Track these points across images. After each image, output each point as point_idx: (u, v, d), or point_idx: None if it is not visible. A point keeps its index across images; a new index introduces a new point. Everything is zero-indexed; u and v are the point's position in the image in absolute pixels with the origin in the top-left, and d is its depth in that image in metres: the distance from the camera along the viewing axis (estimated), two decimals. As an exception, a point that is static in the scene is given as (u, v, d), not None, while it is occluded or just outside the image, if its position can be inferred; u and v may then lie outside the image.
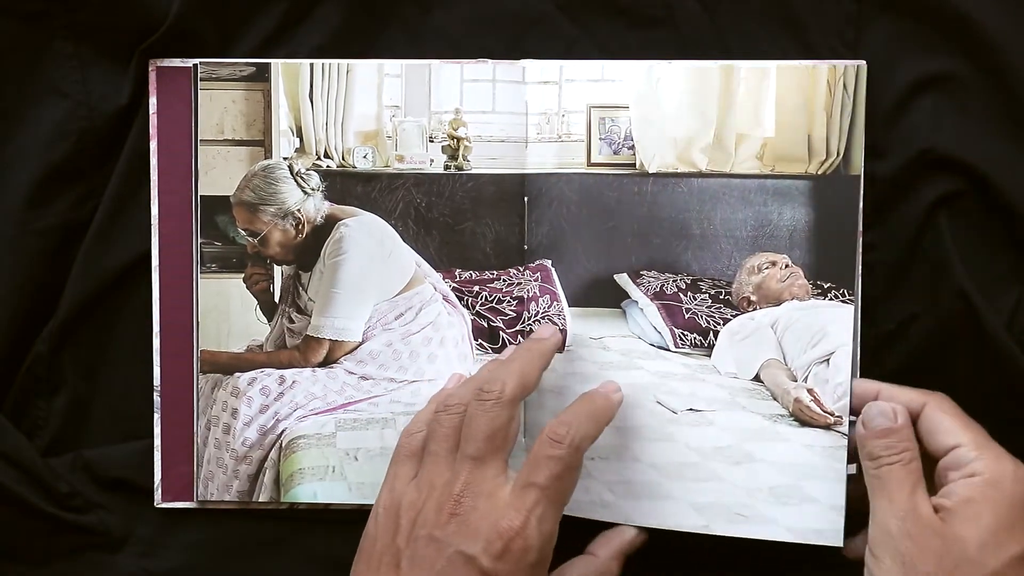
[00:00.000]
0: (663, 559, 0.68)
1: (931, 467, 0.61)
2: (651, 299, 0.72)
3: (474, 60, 0.70)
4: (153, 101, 0.69)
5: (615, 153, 0.71)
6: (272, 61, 0.69)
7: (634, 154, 0.71)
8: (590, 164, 0.71)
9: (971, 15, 0.68)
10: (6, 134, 0.70)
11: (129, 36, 0.69)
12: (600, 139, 0.71)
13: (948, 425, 0.60)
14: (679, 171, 0.71)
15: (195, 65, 0.69)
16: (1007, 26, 0.68)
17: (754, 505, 0.66)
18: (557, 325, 0.71)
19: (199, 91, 0.69)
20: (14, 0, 0.69)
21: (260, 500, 0.70)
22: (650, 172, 0.71)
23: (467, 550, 0.56)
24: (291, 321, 0.71)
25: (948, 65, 0.69)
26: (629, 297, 0.73)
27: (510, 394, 0.60)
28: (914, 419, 0.61)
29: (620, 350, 0.71)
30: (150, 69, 0.69)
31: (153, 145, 0.70)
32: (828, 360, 0.67)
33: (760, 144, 0.70)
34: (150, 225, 0.70)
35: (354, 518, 0.69)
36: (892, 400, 0.62)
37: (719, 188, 0.70)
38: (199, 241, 0.69)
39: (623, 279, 0.72)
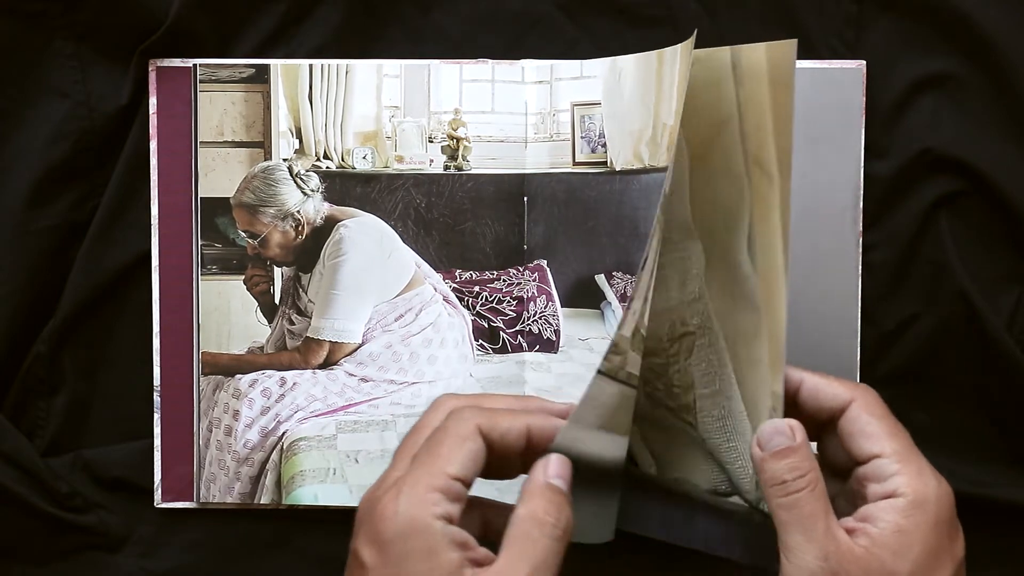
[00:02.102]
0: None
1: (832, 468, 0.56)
2: (620, 301, 0.70)
3: (473, 60, 0.70)
4: (153, 101, 0.69)
5: (592, 151, 0.71)
6: (271, 62, 0.69)
7: (606, 151, 0.70)
8: (575, 163, 0.71)
9: (971, 15, 0.68)
10: (6, 134, 0.70)
11: (129, 36, 0.69)
12: (580, 137, 0.71)
13: (872, 429, 0.54)
14: (633, 167, 0.69)
15: (195, 65, 0.69)
16: (1007, 26, 0.68)
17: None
18: (552, 325, 0.70)
19: (199, 93, 0.69)
20: (14, 0, 0.69)
21: (261, 502, 0.70)
22: (616, 170, 0.70)
23: None
24: (291, 323, 0.71)
25: (948, 65, 0.69)
26: (606, 298, 0.71)
27: None
28: (836, 416, 0.55)
29: (601, 352, 0.68)
30: (150, 69, 0.69)
31: (153, 145, 0.70)
32: None
33: (669, 134, 0.66)
34: (150, 225, 0.70)
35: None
36: (816, 393, 0.56)
37: (653, 184, 0.68)
38: (199, 242, 0.69)
39: (601, 280, 0.71)
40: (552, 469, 0.54)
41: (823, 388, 0.56)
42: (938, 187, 0.69)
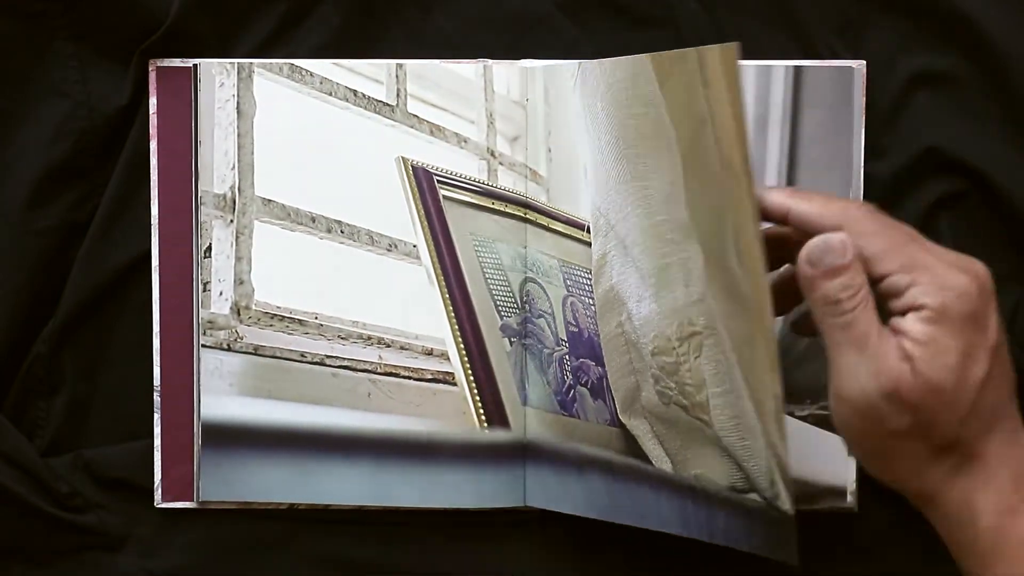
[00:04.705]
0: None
1: None
2: None
3: (474, 60, 0.70)
4: (153, 101, 0.69)
5: None
6: (271, 61, 0.69)
7: None
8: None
9: (971, 15, 0.68)
10: (6, 134, 0.70)
11: (129, 36, 0.69)
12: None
13: (873, 249, 0.53)
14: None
15: (195, 65, 0.69)
16: (1008, 26, 0.68)
17: None
18: None
19: (199, 91, 0.69)
20: (14, 0, 0.69)
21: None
22: None
23: None
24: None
25: (948, 65, 0.69)
26: None
27: None
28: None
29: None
30: (150, 69, 0.69)
31: (153, 145, 0.69)
32: None
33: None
34: (150, 225, 0.70)
35: (354, 518, 0.69)
36: (805, 216, 0.54)
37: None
38: (199, 242, 0.69)
39: None
40: None
41: (812, 219, 0.55)
42: (938, 187, 0.69)
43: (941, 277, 0.52)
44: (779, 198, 0.55)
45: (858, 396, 0.52)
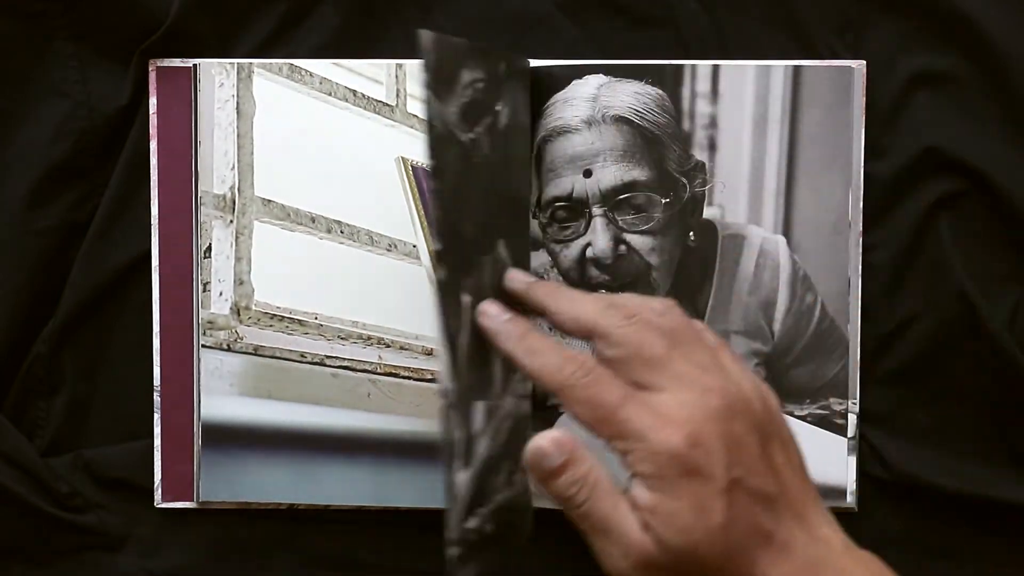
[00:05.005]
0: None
1: None
2: None
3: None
4: (153, 101, 0.69)
5: None
6: (271, 61, 0.69)
7: None
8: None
9: (971, 15, 0.68)
10: (6, 134, 0.70)
11: (129, 36, 0.69)
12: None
13: (584, 419, 0.51)
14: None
15: (195, 65, 0.69)
16: (1008, 26, 0.68)
17: None
18: None
19: (199, 91, 0.69)
20: (14, 0, 0.69)
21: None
22: None
23: None
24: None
25: (948, 65, 0.69)
26: None
27: None
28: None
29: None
30: (150, 69, 0.69)
31: (153, 145, 0.69)
32: None
33: None
34: (150, 225, 0.70)
35: (354, 518, 0.69)
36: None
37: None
38: (199, 241, 0.69)
39: None
40: None
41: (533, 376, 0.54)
42: (938, 187, 0.69)
43: (649, 443, 0.49)
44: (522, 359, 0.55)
45: (618, 574, 0.51)
